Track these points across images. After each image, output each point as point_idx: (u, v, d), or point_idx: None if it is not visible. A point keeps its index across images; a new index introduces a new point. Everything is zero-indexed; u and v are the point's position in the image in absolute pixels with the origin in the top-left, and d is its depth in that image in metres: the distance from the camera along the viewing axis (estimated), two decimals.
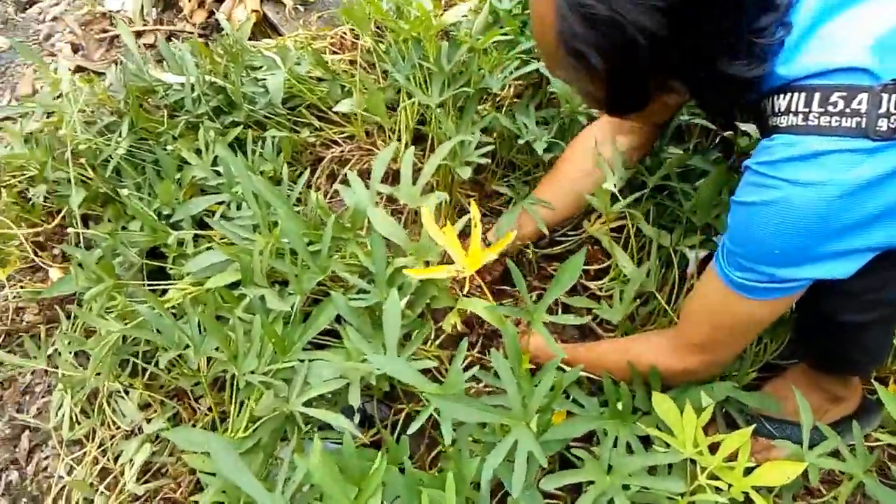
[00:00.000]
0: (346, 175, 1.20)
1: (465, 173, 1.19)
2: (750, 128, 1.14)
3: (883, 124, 0.66)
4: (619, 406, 0.95)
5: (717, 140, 1.25)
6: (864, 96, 0.67)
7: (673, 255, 1.14)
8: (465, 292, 1.02)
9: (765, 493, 0.81)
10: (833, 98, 0.68)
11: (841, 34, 0.70)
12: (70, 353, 1.29)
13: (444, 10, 1.35)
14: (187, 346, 1.03)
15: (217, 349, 0.99)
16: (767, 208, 0.73)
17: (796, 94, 0.71)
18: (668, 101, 0.83)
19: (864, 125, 0.67)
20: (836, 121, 0.68)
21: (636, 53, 0.71)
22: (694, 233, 1.13)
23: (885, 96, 0.66)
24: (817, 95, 0.69)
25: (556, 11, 0.73)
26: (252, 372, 0.93)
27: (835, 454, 0.91)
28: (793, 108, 0.72)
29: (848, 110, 0.68)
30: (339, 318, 1.00)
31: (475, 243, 0.91)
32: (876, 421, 1.13)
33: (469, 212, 0.98)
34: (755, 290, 0.81)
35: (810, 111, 0.70)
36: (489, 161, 1.32)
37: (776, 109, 0.74)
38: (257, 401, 0.95)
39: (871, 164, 0.67)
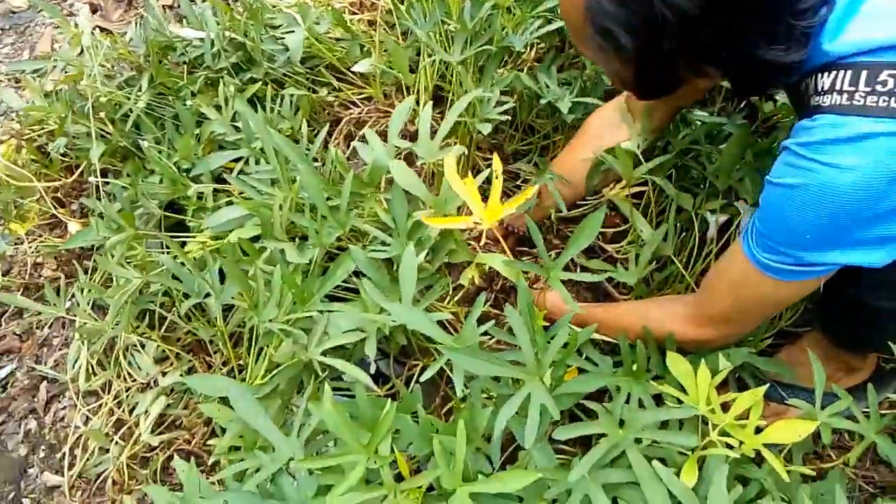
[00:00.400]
0: (363, 136, 1.20)
1: (486, 129, 1.18)
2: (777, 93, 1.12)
3: None
4: (634, 367, 0.95)
5: (743, 104, 1.23)
6: None
7: (694, 218, 1.13)
8: (482, 245, 1.02)
9: (776, 453, 0.81)
10: (882, 76, 0.64)
11: (888, 8, 0.67)
12: (88, 302, 1.30)
13: None
14: (207, 295, 1.05)
15: (237, 296, 1.00)
16: (802, 191, 0.69)
17: (841, 72, 0.67)
18: (700, 84, 0.80)
19: None
20: (885, 101, 0.63)
21: (666, 33, 0.67)
22: (716, 196, 1.12)
23: None
24: (864, 73, 0.65)
25: None
26: (271, 320, 0.94)
27: (848, 419, 0.90)
28: (837, 87, 0.67)
29: None
30: (357, 274, 1.00)
31: (495, 196, 0.91)
32: (889, 388, 1.12)
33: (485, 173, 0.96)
34: (781, 271, 0.79)
35: (856, 90, 0.65)
36: (508, 120, 1.31)
37: (819, 88, 0.70)
38: (276, 348, 0.96)
39: None
